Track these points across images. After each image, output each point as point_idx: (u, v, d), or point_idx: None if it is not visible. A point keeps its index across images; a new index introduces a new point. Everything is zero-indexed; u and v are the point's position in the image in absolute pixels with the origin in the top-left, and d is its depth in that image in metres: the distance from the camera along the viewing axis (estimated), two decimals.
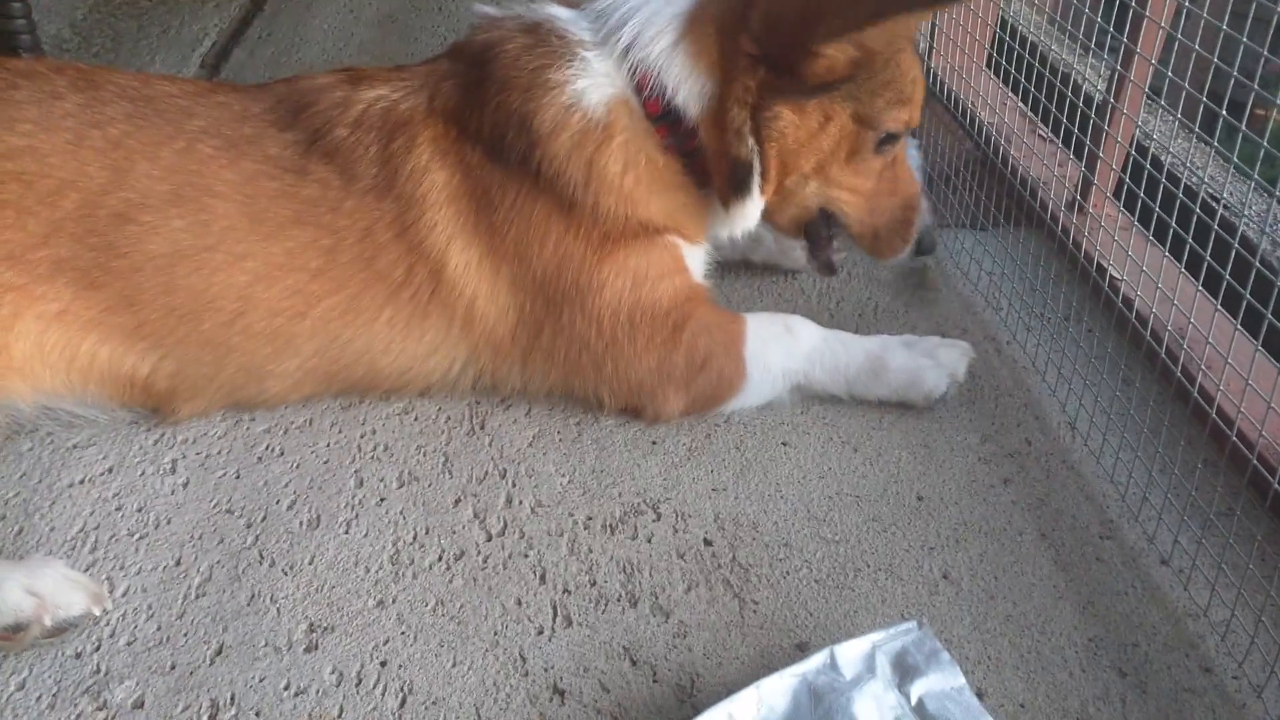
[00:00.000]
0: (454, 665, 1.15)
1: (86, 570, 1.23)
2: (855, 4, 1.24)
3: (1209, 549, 1.27)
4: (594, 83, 1.37)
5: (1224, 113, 1.19)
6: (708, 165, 1.41)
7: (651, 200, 1.40)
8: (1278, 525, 1.32)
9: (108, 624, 1.18)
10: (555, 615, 1.21)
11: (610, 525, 1.33)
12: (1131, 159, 1.60)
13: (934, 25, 2.15)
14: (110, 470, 1.39)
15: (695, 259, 1.51)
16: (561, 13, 1.44)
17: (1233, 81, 1.18)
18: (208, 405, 1.45)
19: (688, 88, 1.36)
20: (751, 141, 1.36)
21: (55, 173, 1.30)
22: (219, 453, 1.42)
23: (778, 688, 1.04)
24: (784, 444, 1.47)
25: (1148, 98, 1.54)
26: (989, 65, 2.04)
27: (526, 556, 1.28)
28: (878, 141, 1.41)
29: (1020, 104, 1.95)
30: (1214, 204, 1.61)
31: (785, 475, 1.42)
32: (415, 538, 1.30)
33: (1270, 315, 1.12)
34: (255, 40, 2.76)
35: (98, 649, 1.15)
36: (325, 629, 1.18)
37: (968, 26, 2.04)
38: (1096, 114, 1.64)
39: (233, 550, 1.28)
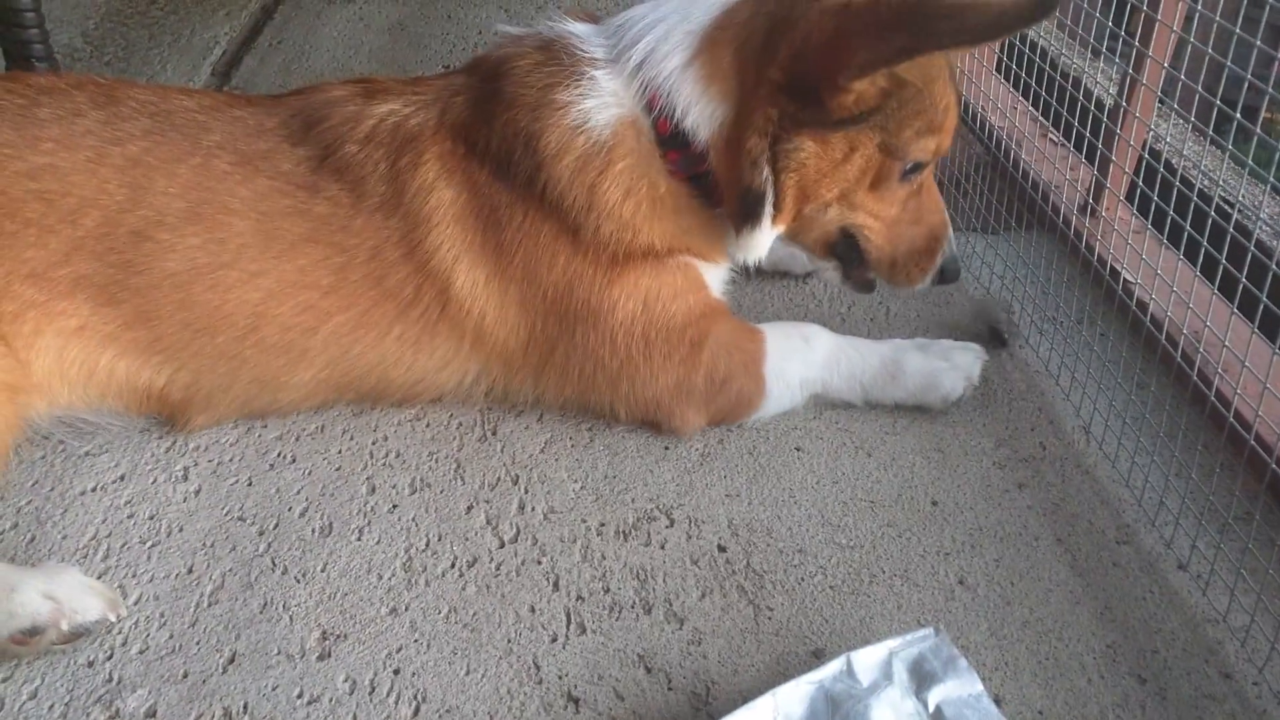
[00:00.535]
0: (467, 673, 1.14)
1: (99, 578, 1.23)
2: (887, 39, 1.20)
3: (1227, 554, 1.26)
4: (601, 102, 1.34)
5: (1238, 115, 1.18)
6: (718, 189, 1.38)
7: (655, 226, 1.37)
8: None
9: (119, 632, 1.18)
10: (569, 622, 1.21)
11: (623, 531, 1.33)
12: (1145, 162, 1.59)
13: None
14: (122, 478, 1.38)
15: (714, 276, 1.48)
16: (579, 29, 1.41)
17: (1245, 85, 1.18)
18: (222, 415, 1.45)
19: (698, 110, 1.32)
20: (767, 171, 1.31)
21: (76, 191, 1.30)
22: (231, 460, 1.42)
23: (794, 695, 1.04)
24: (797, 449, 1.47)
25: (1160, 101, 1.53)
26: (999, 69, 2.03)
27: (539, 563, 1.28)
28: (904, 170, 1.38)
29: (1030, 109, 1.95)
30: (1228, 207, 1.60)
31: (799, 481, 1.41)
32: (428, 544, 1.30)
33: None
34: (266, 48, 2.77)
35: (110, 657, 1.15)
36: (338, 637, 1.18)
37: None
38: (1109, 117, 1.63)
39: (245, 558, 1.28)
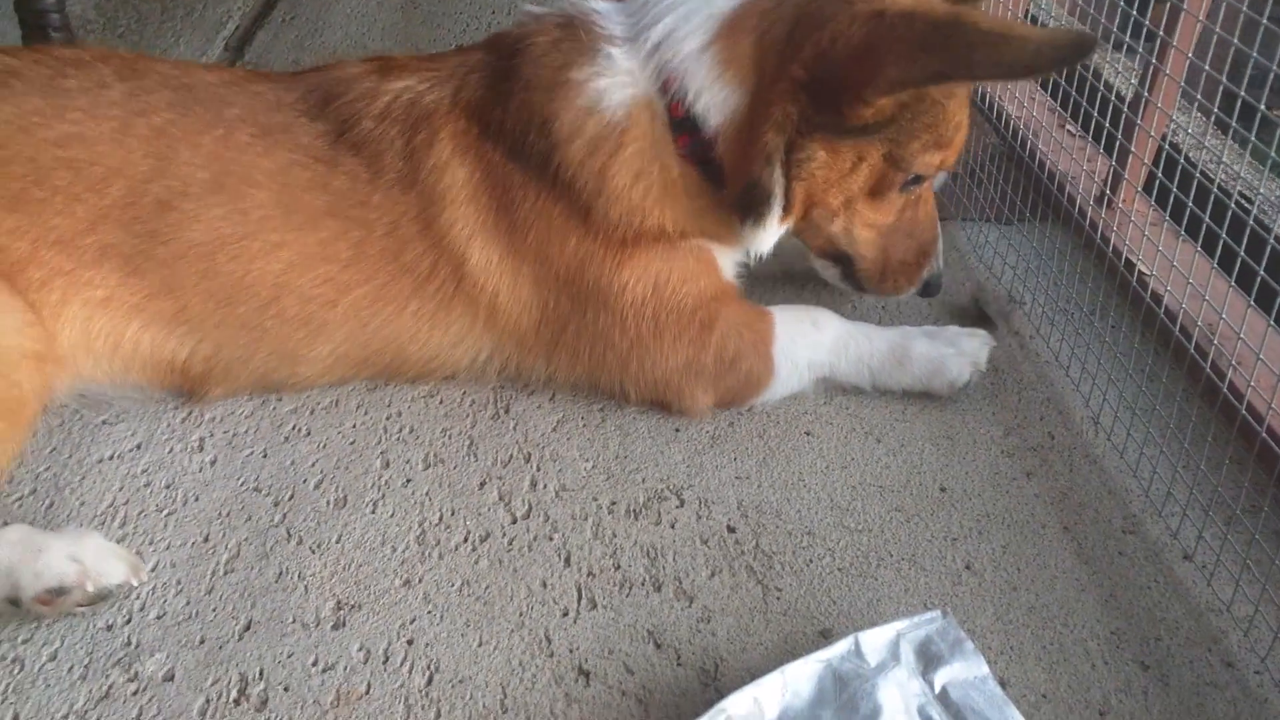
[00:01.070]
0: (480, 645, 1.16)
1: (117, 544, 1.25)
2: (919, 61, 1.17)
3: (1233, 545, 1.27)
4: (615, 81, 1.33)
5: (1263, 107, 1.18)
6: (723, 177, 1.37)
7: (665, 209, 1.37)
8: None
9: (138, 598, 1.19)
10: (580, 598, 1.22)
11: (634, 510, 1.34)
12: (1165, 154, 1.59)
13: None
14: (139, 447, 1.40)
15: (727, 259, 1.48)
16: (601, 7, 1.40)
17: (1271, 77, 1.18)
18: (240, 387, 1.46)
19: (709, 96, 1.31)
20: (778, 170, 1.31)
21: (103, 160, 1.31)
22: (246, 431, 1.43)
23: (802, 673, 1.05)
24: (807, 434, 1.47)
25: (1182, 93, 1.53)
26: None
27: (551, 539, 1.29)
28: (905, 182, 1.38)
29: (1049, 98, 1.94)
30: (1247, 201, 1.60)
31: (808, 464, 1.42)
32: (441, 519, 1.31)
33: None
34: (278, 23, 2.76)
35: (128, 622, 1.17)
36: (352, 607, 1.19)
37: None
38: (1129, 108, 1.63)
39: (260, 528, 1.29)
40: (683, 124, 1.34)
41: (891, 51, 1.18)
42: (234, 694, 1.10)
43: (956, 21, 1.16)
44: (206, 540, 1.27)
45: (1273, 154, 1.21)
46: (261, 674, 1.12)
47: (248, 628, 1.17)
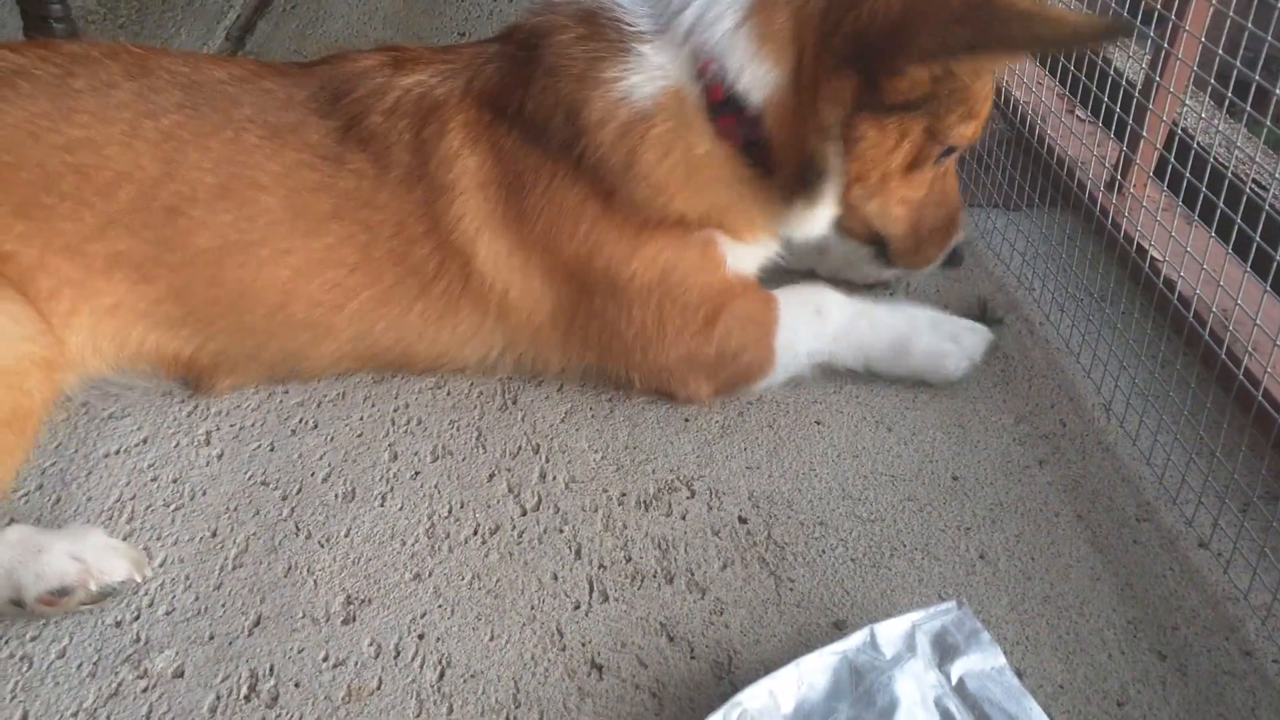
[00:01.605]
0: (491, 639, 1.15)
1: (124, 540, 1.23)
2: (954, 31, 1.18)
3: (1250, 532, 1.26)
4: (648, 77, 1.32)
5: (1278, 91, 1.16)
6: (772, 156, 1.35)
7: (688, 192, 1.35)
8: None
9: (146, 593, 1.19)
10: (592, 590, 1.21)
11: (644, 502, 1.33)
12: (1178, 138, 1.58)
13: None
14: (145, 441, 1.39)
15: (744, 255, 1.46)
16: None
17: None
18: (247, 381, 1.46)
19: (751, 72, 1.30)
20: (836, 146, 1.31)
21: (111, 165, 1.30)
22: (253, 425, 1.42)
23: (818, 665, 1.04)
24: (817, 423, 1.46)
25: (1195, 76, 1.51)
26: None
27: (561, 532, 1.28)
28: (940, 155, 1.38)
29: (1058, 84, 1.93)
30: (1261, 187, 1.59)
31: (819, 454, 1.41)
32: (450, 511, 1.30)
33: None
34: (280, 12, 2.74)
35: (137, 618, 1.16)
36: (363, 601, 1.19)
37: None
38: (1141, 92, 1.61)
39: (268, 522, 1.28)
40: (725, 105, 1.32)
41: (927, 20, 1.19)
42: (244, 690, 1.09)
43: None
44: (214, 535, 1.26)
45: (1267, 124, 1.19)
46: (272, 670, 1.11)
47: (257, 623, 1.16)
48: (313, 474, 1.35)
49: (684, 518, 1.31)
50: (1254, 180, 1.56)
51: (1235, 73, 1.24)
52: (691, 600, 1.20)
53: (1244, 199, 1.27)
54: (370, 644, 1.14)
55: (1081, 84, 1.70)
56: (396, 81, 1.39)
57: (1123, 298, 1.67)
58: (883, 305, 1.54)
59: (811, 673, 1.04)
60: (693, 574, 1.24)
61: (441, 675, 1.11)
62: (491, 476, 1.36)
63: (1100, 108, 1.67)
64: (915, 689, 1.02)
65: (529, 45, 1.38)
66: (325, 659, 1.12)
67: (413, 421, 1.44)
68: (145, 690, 1.08)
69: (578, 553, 1.26)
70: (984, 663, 1.06)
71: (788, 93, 1.31)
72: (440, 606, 1.18)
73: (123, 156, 1.30)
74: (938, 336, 1.51)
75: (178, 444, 1.39)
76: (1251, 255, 1.23)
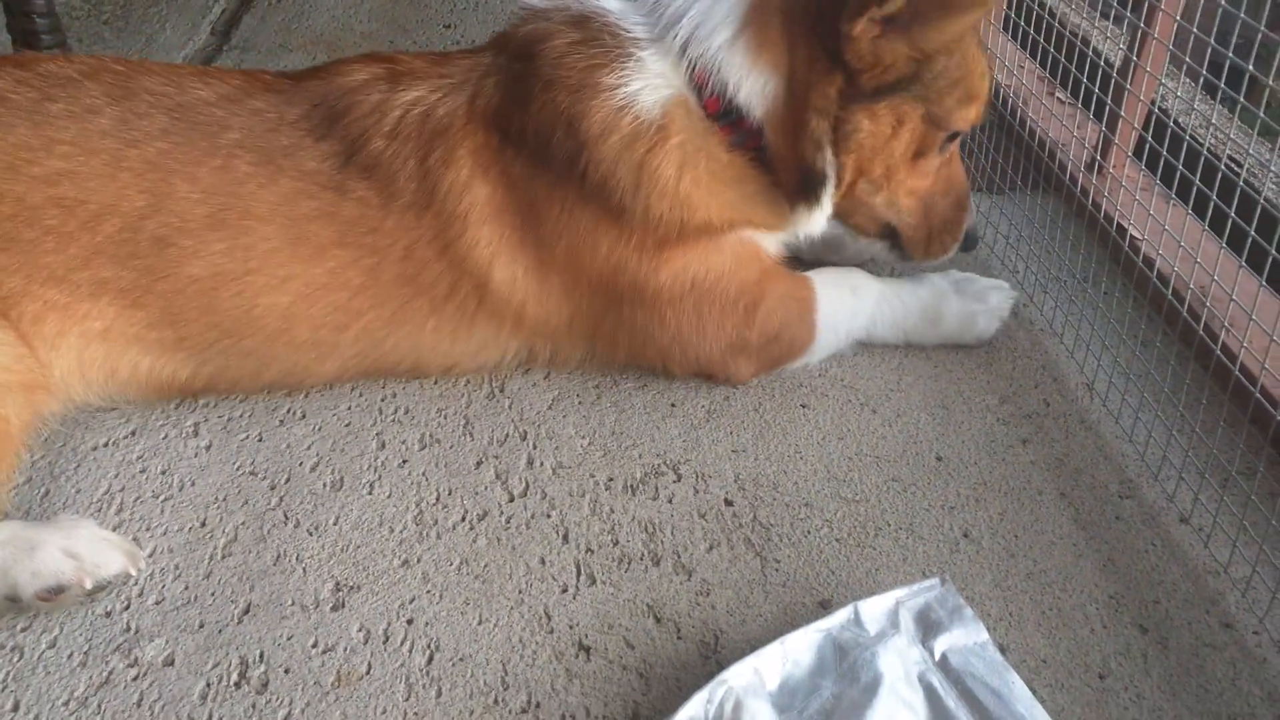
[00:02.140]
0: (480, 623, 1.16)
1: (113, 531, 1.24)
2: None
3: (1230, 506, 1.28)
4: (649, 84, 1.29)
5: (1251, 68, 1.17)
6: (775, 164, 1.34)
7: (714, 200, 1.33)
8: None
9: (136, 583, 1.19)
10: (579, 574, 1.22)
11: (631, 486, 1.34)
12: (1155, 119, 1.59)
13: None
14: (133, 433, 1.39)
15: (771, 241, 1.45)
16: (612, 5, 1.34)
17: (1259, 39, 1.17)
18: (245, 393, 1.45)
19: (749, 86, 1.28)
20: (830, 153, 1.31)
21: (95, 197, 1.26)
22: (240, 416, 1.43)
23: (802, 643, 1.05)
24: (803, 406, 1.47)
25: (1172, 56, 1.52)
26: (1005, 28, 2.02)
27: (549, 517, 1.29)
28: (943, 141, 1.37)
29: (1038, 66, 1.93)
30: (1236, 164, 1.60)
31: (804, 436, 1.42)
32: (438, 498, 1.31)
33: None
34: (265, 7, 2.74)
35: (127, 608, 1.17)
36: (351, 588, 1.19)
37: None
38: (1118, 73, 1.62)
39: (257, 511, 1.29)
40: (722, 117, 1.31)
41: None
42: (234, 677, 1.10)
43: None
44: (204, 525, 1.27)
45: (1261, 115, 1.20)
46: (262, 657, 1.12)
47: (247, 611, 1.17)
48: (301, 463, 1.36)
49: (670, 501, 1.32)
50: (1230, 157, 1.57)
51: (1227, 62, 1.25)
52: (678, 582, 1.21)
53: (1219, 176, 1.28)
54: (359, 629, 1.15)
55: (1061, 66, 1.71)
56: (395, 98, 1.35)
57: (1104, 278, 1.69)
58: (906, 280, 1.58)
59: (796, 650, 1.05)
60: (679, 556, 1.25)
61: (430, 659, 1.12)
62: (479, 463, 1.37)
63: (1080, 89, 1.68)
64: (899, 665, 1.04)
65: (524, 57, 1.34)
66: (315, 645, 1.13)
67: (400, 410, 1.45)
68: (136, 679, 1.09)
69: (565, 537, 1.27)
70: (967, 638, 1.07)
71: (785, 104, 1.30)
72: (429, 592, 1.19)
73: (106, 188, 1.27)
74: (965, 299, 1.55)
75: (166, 436, 1.39)
76: (1227, 233, 1.25)
